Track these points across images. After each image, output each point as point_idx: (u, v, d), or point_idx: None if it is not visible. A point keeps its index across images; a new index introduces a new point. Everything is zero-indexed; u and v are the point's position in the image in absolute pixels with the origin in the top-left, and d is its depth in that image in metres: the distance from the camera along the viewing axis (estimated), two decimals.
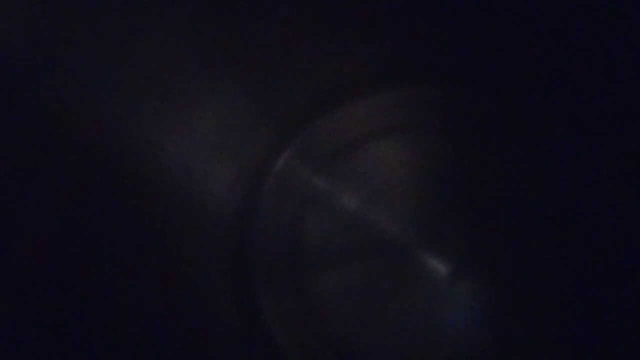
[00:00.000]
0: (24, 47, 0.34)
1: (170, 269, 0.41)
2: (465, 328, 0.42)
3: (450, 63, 0.44)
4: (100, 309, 0.36)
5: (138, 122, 0.39)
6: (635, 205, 0.40)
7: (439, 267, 0.43)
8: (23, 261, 0.34)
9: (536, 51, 0.40)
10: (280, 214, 0.45)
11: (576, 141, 0.42)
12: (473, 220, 0.43)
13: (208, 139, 0.42)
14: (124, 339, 0.37)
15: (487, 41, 0.41)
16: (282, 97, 0.44)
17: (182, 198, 0.42)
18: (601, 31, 0.37)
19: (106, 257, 0.37)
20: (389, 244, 0.44)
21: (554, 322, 0.41)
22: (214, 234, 0.43)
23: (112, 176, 0.38)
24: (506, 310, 0.42)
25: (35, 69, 0.34)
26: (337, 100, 0.45)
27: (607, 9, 0.36)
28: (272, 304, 0.44)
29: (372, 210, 0.44)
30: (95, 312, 0.36)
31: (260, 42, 0.40)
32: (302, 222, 0.45)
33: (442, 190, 0.44)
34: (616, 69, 0.38)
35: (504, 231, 0.43)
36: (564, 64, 0.40)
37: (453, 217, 0.44)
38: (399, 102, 0.45)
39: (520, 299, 0.42)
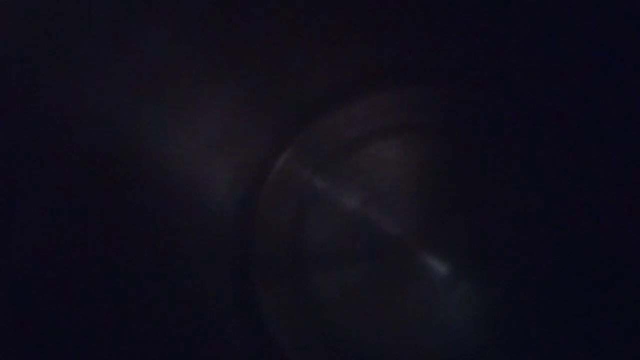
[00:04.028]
0: (23, 47, 0.34)
1: (170, 269, 0.41)
2: (465, 328, 0.42)
3: (450, 63, 0.44)
4: (99, 308, 0.36)
5: (137, 122, 0.39)
6: (635, 206, 0.40)
7: (439, 267, 0.43)
8: (22, 262, 0.34)
9: (537, 51, 0.40)
10: (280, 214, 0.45)
11: (578, 141, 0.42)
12: (473, 220, 0.43)
13: (208, 140, 0.42)
14: (123, 338, 0.37)
15: (487, 41, 0.41)
16: (282, 97, 0.44)
17: (182, 198, 0.42)
18: (602, 31, 0.37)
19: (105, 257, 0.37)
20: (389, 244, 0.44)
21: (553, 323, 0.41)
22: (214, 233, 0.43)
23: (112, 176, 0.38)
24: (506, 310, 0.42)
25: (34, 69, 0.35)
26: (337, 100, 0.45)
27: (607, 9, 0.36)
28: (272, 304, 0.44)
29: (372, 210, 0.44)
30: (94, 312, 0.36)
31: (260, 42, 0.40)
32: (302, 222, 0.45)
33: (442, 190, 0.44)
34: (618, 69, 0.38)
35: (504, 231, 0.43)
36: (564, 64, 0.40)
37: (453, 217, 0.44)
38: (399, 102, 0.45)
39: (520, 299, 0.42)
